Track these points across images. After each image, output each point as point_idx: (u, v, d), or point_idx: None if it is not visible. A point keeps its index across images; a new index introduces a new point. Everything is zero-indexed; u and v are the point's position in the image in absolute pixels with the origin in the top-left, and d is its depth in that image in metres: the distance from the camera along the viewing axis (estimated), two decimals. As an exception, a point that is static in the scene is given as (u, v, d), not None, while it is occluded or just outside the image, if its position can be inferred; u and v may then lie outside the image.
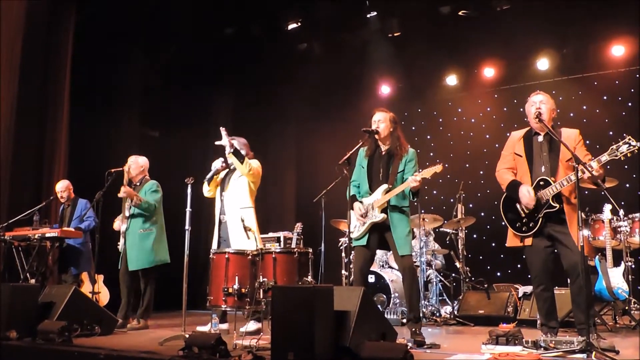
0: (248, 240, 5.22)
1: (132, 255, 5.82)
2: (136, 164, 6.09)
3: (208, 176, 5.60)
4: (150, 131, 9.32)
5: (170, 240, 6.08)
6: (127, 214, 5.88)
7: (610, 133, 7.60)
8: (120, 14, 7.83)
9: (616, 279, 5.47)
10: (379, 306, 6.09)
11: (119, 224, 6.01)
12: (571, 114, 8.41)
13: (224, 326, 5.29)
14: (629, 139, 4.00)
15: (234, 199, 5.53)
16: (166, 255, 5.97)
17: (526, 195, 4.25)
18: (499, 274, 8.31)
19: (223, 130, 5.46)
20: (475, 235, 8.35)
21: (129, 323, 5.75)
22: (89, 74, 7.95)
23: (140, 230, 5.88)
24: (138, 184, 6.05)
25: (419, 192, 4.59)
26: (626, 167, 7.54)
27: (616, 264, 5.53)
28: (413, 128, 9.73)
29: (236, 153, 5.44)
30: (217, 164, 5.62)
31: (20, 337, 4.47)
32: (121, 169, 5.98)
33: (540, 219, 4.24)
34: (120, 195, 5.83)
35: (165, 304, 6.83)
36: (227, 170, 5.68)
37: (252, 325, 5.10)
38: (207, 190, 5.66)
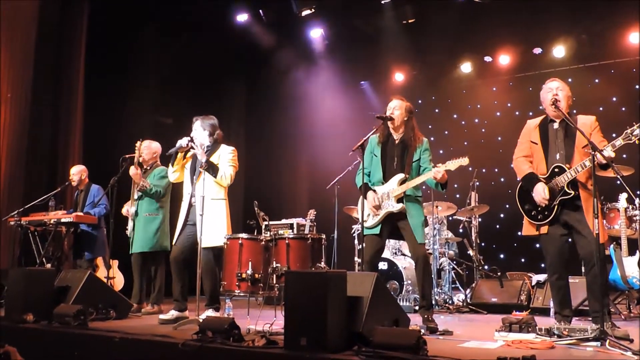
0: (217, 231, 5.04)
1: (137, 238, 5.89)
2: (149, 148, 6.15)
3: (170, 151, 5.21)
4: (164, 118, 9.35)
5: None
6: (135, 197, 5.92)
7: (627, 122, 7.49)
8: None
9: (631, 268, 5.42)
10: (391, 293, 6.09)
11: (127, 209, 6.05)
12: (587, 102, 8.30)
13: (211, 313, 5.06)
14: None
15: (205, 189, 5.01)
16: (167, 243, 5.97)
17: (540, 194, 4.22)
18: (512, 262, 8.27)
19: (191, 143, 5.12)
20: (488, 224, 8.31)
21: (143, 307, 5.80)
22: (104, 60, 7.98)
23: (146, 213, 5.93)
24: (148, 168, 6.11)
25: (447, 182, 4.54)
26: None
27: (631, 253, 5.49)
28: (427, 116, 9.67)
29: (210, 166, 5.05)
30: (182, 142, 5.15)
31: (36, 321, 4.54)
32: (135, 155, 6.01)
33: (556, 207, 4.21)
34: (131, 173, 5.84)
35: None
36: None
37: (211, 313, 4.96)
38: (172, 172, 5.28)
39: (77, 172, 6.79)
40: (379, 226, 4.64)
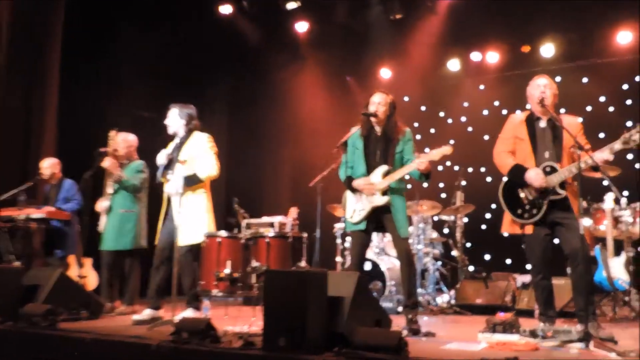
0: (196, 228, 4.99)
1: (111, 235, 5.77)
2: (125, 141, 6.05)
3: (158, 176, 5.11)
4: (143, 112, 9.25)
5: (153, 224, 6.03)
6: (110, 191, 5.83)
7: (615, 122, 7.57)
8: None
9: (616, 269, 5.47)
10: (374, 294, 6.09)
11: (101, 205, 5.96)
12: (575, 102, 8.37)
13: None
14: None
15: (181, 183, 4.92)
16: (144, 240, 5.92)
17: (538, 176, 4.21)
18: (497, 262, 8.31)
19: (168, 155, 5.06)
20: (474, 224, 8.34)
21: (116, 307, 5.73)
22: (81, 51, 7.85)
23: (122, 209, 5.83)
24: (125, 161, 6.01)
25: (431, 173, 4.55)
26: (630, 156, 7.54)
27: (617, 254, 5.53)
28: (413, 114, 9.67)
29: (188, 180, 4.90)
30: (161, 159, 5.09)
31: (1, 321, 4.40)
32: (111, 149, 5.92)
33: (545, 206, 4.23)
34: (105, 164, 5.71)
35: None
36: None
37: (189, 313, 4.93)
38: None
39: (49, 166, 6.68)
40: (364, 222, 4.64)
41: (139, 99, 8.78)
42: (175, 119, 5.19)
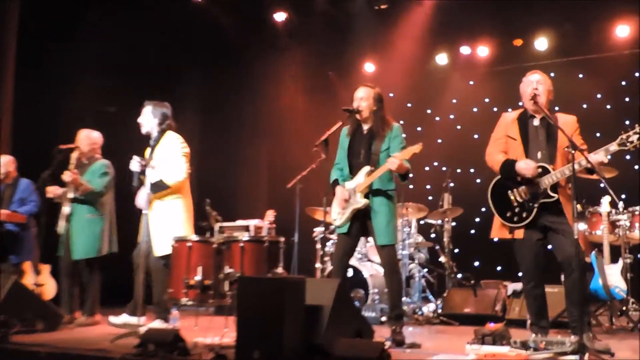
0: (170, 236, 5.01)
1: (78, 243, 5.72)
2: (88, 139, 6.00)
3: (134, 185, 5.15)
4: (107, 106, 9.17)
5: (122, 225, 6.00)
6: (71, 195, 5.78)
7: (612, 121, 7.68)
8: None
9: (613, 277, 5.53)
10: (356, 302, 6.10)
11: (57, 192, 5.87)
12: (570, 99, 8.47)
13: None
14: None
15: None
16: (112, 246, 5.89)
17: (527, 166, 4.23)
18: (487, 269, 8.37)
19: (141, 162, 5.08)
20: (462, 228, 8.39)
21: (76, 318, 5.67)
22: (41, 41, 7.77)
23: (88, 214, 5.79)
24: (87, 162, 5.96)
25: (409, 172, 4.57)
26: (628, 157, 7.65)
27: (614, 260, 5.60)
28: (399, 110, 9.69)
29: (154, 188, 4.98)
30: (134, 166, 5.11)
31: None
32: (72, 146, 5.88)
33: (536, 209, 4.27)
34: (65, 179, 5.70)
35: (118, 298, 6.74)
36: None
37: (157, 324, 4.92)
38: None
39: (3, 164, 6.58)
40: (347, 225, 4.66)
41: (103, 93, 8.71)
42: (148, 118, 5.23)
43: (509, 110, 4.84)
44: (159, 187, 5.01)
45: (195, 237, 4.91)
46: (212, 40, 9.41)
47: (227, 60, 9.69)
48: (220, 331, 4.34)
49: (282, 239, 5.00)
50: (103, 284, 5.91)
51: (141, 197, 5.00)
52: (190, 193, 5.46)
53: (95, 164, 5.97)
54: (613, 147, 4.11)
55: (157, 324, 4.88)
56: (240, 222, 6.82)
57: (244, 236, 5.10)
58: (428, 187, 9.07)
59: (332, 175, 4.84)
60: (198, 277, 4.65)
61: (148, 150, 5.30)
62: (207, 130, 9.92)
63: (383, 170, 4.53)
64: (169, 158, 5.11)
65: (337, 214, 4.71)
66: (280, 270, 4.82)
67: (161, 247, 4.96)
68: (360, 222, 4.68)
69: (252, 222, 6.75)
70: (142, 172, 5.11)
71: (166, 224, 5.04)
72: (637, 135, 4.03)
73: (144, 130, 5.24)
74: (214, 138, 9.81)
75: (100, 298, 5.86)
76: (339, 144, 4.85)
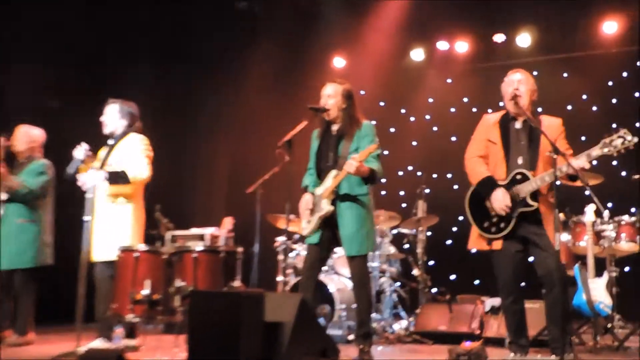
0: (115, 241, 4.97)
1: (6, 251, 5.58)
2: (26, 136, 5.90)
3: (69, 172, 5.13)
4: (48, 101, 9.03)
5: (60, 233, 5.92)
6: (2, 197, 5.65)
7: (598, 123, 7.79)
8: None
9: (598, 291, 5.59)
10: (321, 319, 6.08)
11: None
12: (554, 99, 8.58)
13: (133, 342, 5.11)
14: (624, 133, 4.08)
15: (105, 194, 5.09)
16: (47, 257, 5.78)
17: (501, 201, 4.28)
18: (464, 283, 8.42)
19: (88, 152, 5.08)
20: (438, 238, 8.44)
21: (6, 337, 5.52)
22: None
23: (20, 219, 5.67)
24: (25, 161, 5.85)
25: (375, 176, 4.54)
26: (614, 162, 7.76)
27: (598, 274, 5.66)
28: (370, 110, 9.67)
29: (114, 176, 5.01)
30: (79, 154, 5.08)
31: None
32: (7, 144, 5.76)
33: (515, 219, 4.29)
34: None
35: (55, 316, 6.61)
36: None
37: (98, 344, 4.85)
38: None
39: None
40: (317, 234, 4.63)
41: (44, 86, 8.56)
42: (114, 117, 5.25)
43: (489, 111, 4.88)
44: (119, 178, 5.03)
45: (143, 247, 4.84)
46: (165, 30, 9.32)
47: (184, 54, 9.61)
48: (170, 351, 4.29)
49: (241, 249, 4.96)
50: (38, 299, 5.77)
51: (86, 177, 4.96)
52: (142, 202, 5.45)
53: (32, 163, 5.85)
54: (595, 151, 4.14)
55: (99, 343, 4.79)
56: (194, 231, 6.73)
57: (198, 246, 5.05)
58: (401, 193, 9.10)
59: (303, 181, 4.83)
60: (145, 291, 4.59)
61: (103, 151, 5.30)
62: (158, 128, 9.78)
63: (343, 174, 4.50)
64: (130, 158, 5.15)
65: (306, 223, 4.69)
66: (237, 283, 4.80)
67: (102, 252, 4.90)
68: (332, 232, 4.67)
69: (208, 231, 6.67)
70: (83, 162, 5.10)
71: (112, 229, 5.02)
72: (621, 140, 4.07)
73: (107, 130, 5.27)
74: (167, 139, 9.69)
75: (34, 315, 5.72)
76: (311, 146, 4.82)
